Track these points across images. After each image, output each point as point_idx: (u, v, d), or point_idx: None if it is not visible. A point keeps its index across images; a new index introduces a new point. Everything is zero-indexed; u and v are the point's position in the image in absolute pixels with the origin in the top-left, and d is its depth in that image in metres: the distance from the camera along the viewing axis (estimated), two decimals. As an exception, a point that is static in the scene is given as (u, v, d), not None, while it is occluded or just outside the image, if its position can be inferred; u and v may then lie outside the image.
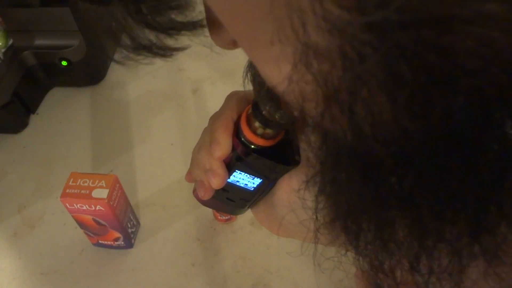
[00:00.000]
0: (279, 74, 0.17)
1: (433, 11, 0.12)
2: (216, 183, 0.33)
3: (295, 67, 0.16)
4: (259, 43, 0.17)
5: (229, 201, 0.37)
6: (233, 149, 0.32)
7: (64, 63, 0.79)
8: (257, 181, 0.34)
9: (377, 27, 0.13)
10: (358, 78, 0.14)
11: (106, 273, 0.61)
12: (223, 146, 0.32)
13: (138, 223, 0.64)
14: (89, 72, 0.85)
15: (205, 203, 0.38)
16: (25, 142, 0.78)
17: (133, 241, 0.62)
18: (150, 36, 0.21)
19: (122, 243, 0.61)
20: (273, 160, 0.32)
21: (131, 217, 0.61)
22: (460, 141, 0.15)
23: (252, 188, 0.34)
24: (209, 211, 0.65)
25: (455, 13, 0.12)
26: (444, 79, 0.13)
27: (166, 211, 0.67)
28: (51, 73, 0.82)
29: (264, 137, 0.31)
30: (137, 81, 0.87)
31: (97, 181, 0.54)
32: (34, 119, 0.82)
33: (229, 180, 0.34)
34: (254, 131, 0.31)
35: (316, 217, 0.27)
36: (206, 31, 0.22)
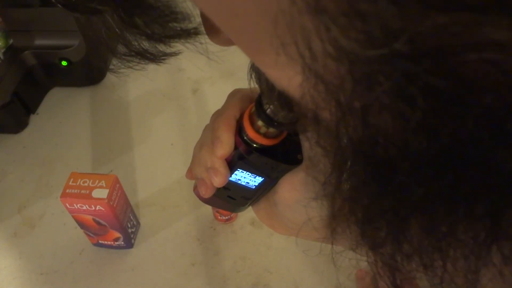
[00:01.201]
0: (288, 82, 0.17)
1: (444, 41, 0.12)
2: (217, 181, 0.33)
3: (305, 78, 0.15)
4: (264, 54, 0.17)
5: (230, 199, 0.37)
6: (235, 147, 0.32)
7: (64, 63, 0.79)
8: (259, 179, 0.34)
9: (387, 57, 0.12)
10: (370, 98, 0.14)
11: (106, 273, 0.61)
12: (226, 144, 0.32)
13: (138, 223, 0.64)
14: (89, 72, 0.85)
15: (205, 200, 0.38)
16: (25, 142, 0.78)
17: (133, 241, 0.62)
18: (143, 42, 0.21)
19: (122, 243, 0.61)
20: (276, 159, 0.31)
21: (131, 217, 0.61)
22: (471, 159, 0.15)
23: (254, 187, 0.34)
24: (209, 211, 0.65)
25: (466, 42, 0.12)
26: (455, 102, 0.13)
27: (166, 211, 0.67)
28: (51, 73, 0.82)
29: (266, 136, 0.30)
30: (137, 81, 0.87)
31: (97, 181, 0.54)
32: (34, 119, 0.82)
33: (230, 179, 0.34)
34: (256, 130, 0.30)
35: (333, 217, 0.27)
36: (201, 37, 0.22)
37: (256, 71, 0.26)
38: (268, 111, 0.29)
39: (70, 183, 0.54)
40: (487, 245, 0.18)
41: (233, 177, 0.34)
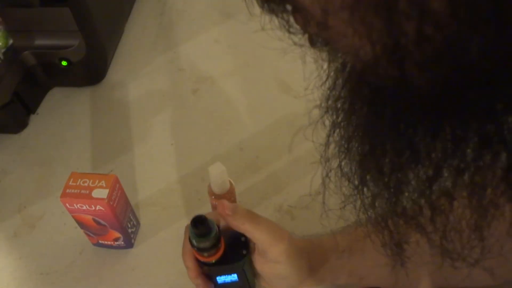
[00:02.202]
0: None
1: None
2: None
3: None
4: None
5: None
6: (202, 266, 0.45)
7: (64, 63, 0.79)
8: (235, 275, 0.45)
9: None
10: None
11: (106, 273, 0.61)
12: (192, 269, 0.44)
13: (138, 223, 0.64)
14: (89, 72, 0.85)
15: None
16: (25, 142, 0.78)
17: (133, 241, 0.62)
18: None
19: (122, 243, 0.61)
20: (228, 263, 0.44)
21: (131, 217, 0.61)
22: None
23: (236, 279, 0.46)
24: (209, 211, 0.65)
25: None
26: None
27: (166, 211, 0.67)
28: (51, 73, 0.82)
29: (211, 255, 0.42)
30: (137, 81, 0.86)
31: (97, 181, 0.54)
32: (34, 119, 0.82)
33: (219, 282, 0.46)
34: (202, 255, 0.42)
35: (327, 144, 0.28)
36: None
37: None
38: (196, 245, 0.41)
39: (70, 183, 0.54)
40: (497, 193, 0.16)
41: (220, 280, 0.46)
